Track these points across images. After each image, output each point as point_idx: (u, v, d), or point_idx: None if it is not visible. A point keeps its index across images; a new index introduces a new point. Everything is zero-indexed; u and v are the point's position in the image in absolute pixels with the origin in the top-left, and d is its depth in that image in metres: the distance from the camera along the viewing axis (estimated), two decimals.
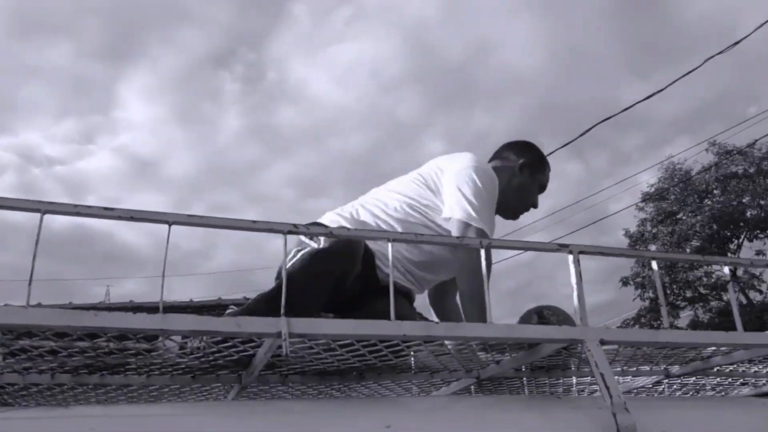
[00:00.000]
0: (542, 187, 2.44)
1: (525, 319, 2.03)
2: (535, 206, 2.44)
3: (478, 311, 1.95)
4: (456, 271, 2.26)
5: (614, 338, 1.29)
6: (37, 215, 0.93)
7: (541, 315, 2.03)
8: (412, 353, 1.60)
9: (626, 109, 7.12)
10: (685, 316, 19.11)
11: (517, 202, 2.33)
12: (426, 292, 2.45)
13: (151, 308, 1.45)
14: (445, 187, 2.15)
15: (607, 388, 1.14)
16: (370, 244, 1.94)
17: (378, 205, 2.17)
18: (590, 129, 7.32)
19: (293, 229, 1.12)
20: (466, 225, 2.05)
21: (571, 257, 1.30)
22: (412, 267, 2.13)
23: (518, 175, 2.36)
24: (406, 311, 2.00)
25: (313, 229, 1.19)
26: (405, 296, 2.07)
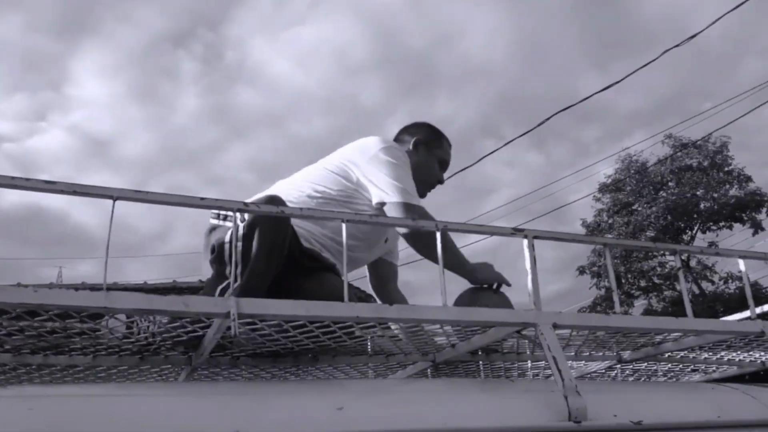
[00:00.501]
0: (443, 162, 2.45)
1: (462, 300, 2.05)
2: (441, 182, 2.46)
3: (455, 256, 2.07)
4: (393, 255, 2.48)
5: (567, 322, 1.29)
6: None
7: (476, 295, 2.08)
8: (367, 336, 1.59)
9: (585, 99, 7.21)
10: (639, 305, 19.55)
11: (419, 181, 2.29)
12: (368, 279, 2.53)
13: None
14: (366, 174, 2.16)
15: (560, 371, 1.15)
16: (297, 224, 1.93)
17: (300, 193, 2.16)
18: (549, 118, 7.38)
19: (243, 207, 1.09)
20: (406, 205, 2.07)
21: (525, 242, 1.31)
22: (337, 246, 2.11)
23: (414, 154, 2.37)
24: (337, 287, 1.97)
25: (264, 207, 1.17)
26: (331, 271, 2.05)
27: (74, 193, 0.92)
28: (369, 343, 1.66)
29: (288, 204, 1.93)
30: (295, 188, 2.15)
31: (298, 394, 1.10)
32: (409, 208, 2.07)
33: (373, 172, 2.14)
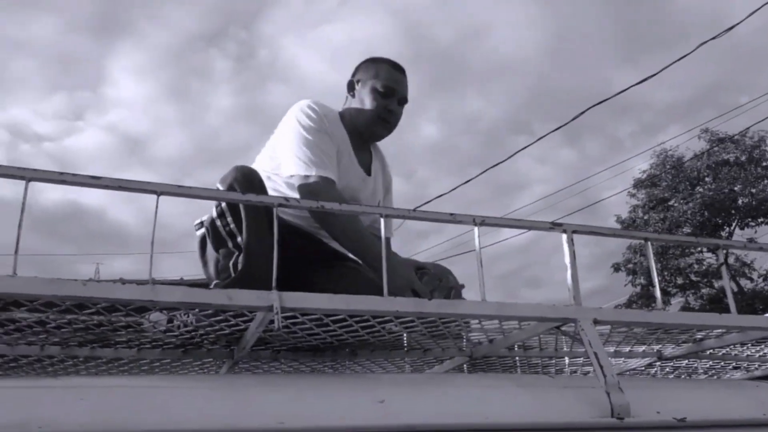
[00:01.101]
0: (385, 89, 2.15)
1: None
2: (390, 110, 2.15)
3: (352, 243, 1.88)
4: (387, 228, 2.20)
5: (608, 318, 1.28)
6: (22, 185, 0.91)
7: (420, 268, 1.93)
8: (403, 330, 1.60)
9: (620, 92, 7.13)
10: (676, 303, 19.24)
11: (365, 118, 2.14)
12: None
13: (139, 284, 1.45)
14: (278, 145, 2.05)
15: (601, 367, 1.14)
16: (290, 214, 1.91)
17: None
18: (582, 113, 7.32)
19: (284, 203, 1.10)
20: (305, 178, 1.91)
21: (564, 236, 1.30)
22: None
23: (353, 98, 2.21)
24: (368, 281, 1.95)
25: (304, 202, 1.17)
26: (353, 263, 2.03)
27: (119, 188, 0.94)
28: (405, 337, 1.67)
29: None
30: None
31: (340, 387, 1.10)
32: (309, 180, 1.91)
33: (281, 142, 2.03)
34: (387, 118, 2.16)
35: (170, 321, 1.28)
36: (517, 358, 2.04)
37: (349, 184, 2.07)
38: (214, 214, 1.71)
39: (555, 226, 1.30)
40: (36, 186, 0.93)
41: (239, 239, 1.64)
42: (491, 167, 9.30)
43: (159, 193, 0.96)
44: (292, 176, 1.93)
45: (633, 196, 19.76)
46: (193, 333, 1.25)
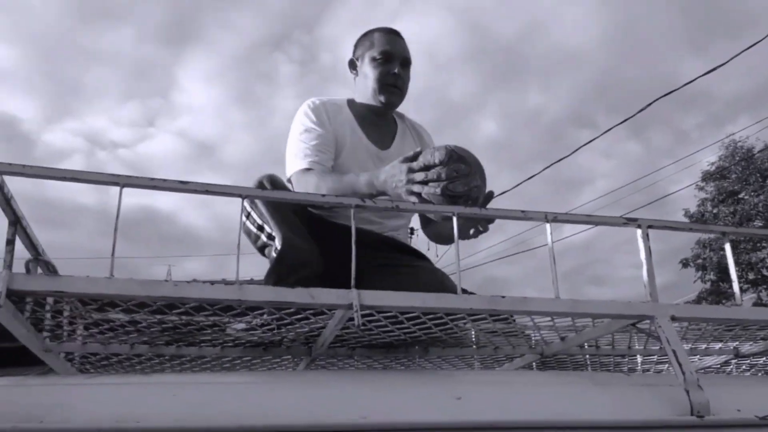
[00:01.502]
0: (382, 54, 2.10)
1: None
2: (393, 73, 2.11)
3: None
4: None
5: (685, 314, 1.26)
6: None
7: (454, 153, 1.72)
8: (471, 327, 1.61)
9: (688, 83, 6.91)
10: (748, 299, 18.54)
11: (371, 89, 2.11)
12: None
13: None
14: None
15: (680, 364, 1.12)
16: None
17: None
18: (648, 106, 7.14)
19: (360, 203, 1.13)
20: (292, 177, 1.96)
21: (639, 232, 1.28)
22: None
23: (355, 74, 2.20)
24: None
25: (380, 201, 1.20)
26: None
27: (206, 192, 0.98)
28: (473, 333, 1.68)
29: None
30: None
31: (416, 383, 1.12)
32: (294, 177, 1.95)
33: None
34: (393, 82, 2.12)
35: (248, 323, 1.33)
36: (587, 356, 2.03)
37: (358, 162, 2.05)
38: (243, 218, 1.76)
39: (629, 221, 1.29)
40: (112, 192, 0.98)
41: (267, 229, 1.71)
42: (554, 162, 9.17)
43: (243, 197, 1.00)
44: (289, 179, 1.98)
45: (701, 189, 19.16)
46: (274, 331, 1.29)
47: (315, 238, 1.77)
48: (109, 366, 1.51)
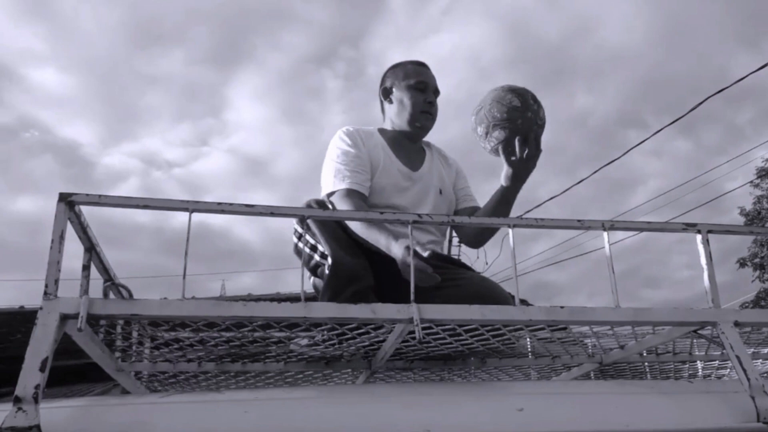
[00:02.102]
0: (419, 84, 2.25)
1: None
2: (429, 102, 2.26)
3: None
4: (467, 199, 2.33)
5: (750, 319, 1.23)
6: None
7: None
8: (528, 338, 1.61)
9: (739, 81, 6.74)
10: None
11: (408, 115, 2.23)
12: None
13: (266, 300, 1.57)
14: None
15: (744, 370, 1.10)
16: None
17: None
18: (700, 104, 6.99)
19: (418, 219, 1.15)
20: (333, 197, 2.02)
21: (699, 237, 1.27)
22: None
23: (390, 104, 2.30)
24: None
25: (436, 217, 1.22)
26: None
27: (271, 214, 1.01)
28: (528, 343, 1.67)
29: None
30: None
31: (477, 395, 1.13)
32: (333, 198, 2.01)
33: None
34: (428, 110, 2.26)
35: (311, 339, 1.36)
36: (647, 363, 2.00)
37: (391, 182, 2.15)
38: (295, 239, 1.89)
39: (689, 226, 1.27)
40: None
41: (319, 248, 1.78)
42: (604, 166, 9.02)
43: (306, 217, 1.04)
44: (330, 200, 2.04)
45: (757, 186, 18.61)
46: (336, 346, 1.32)
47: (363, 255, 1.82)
48: (176, 383, 1.56)
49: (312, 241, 1.82)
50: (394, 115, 2.28)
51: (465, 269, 2.09)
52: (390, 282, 1.79)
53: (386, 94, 2.33)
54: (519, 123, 1.86)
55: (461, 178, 2.38)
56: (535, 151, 1.90)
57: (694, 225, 1.28)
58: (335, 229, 1.75)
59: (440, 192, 2.23)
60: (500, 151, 1.89)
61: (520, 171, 1.93)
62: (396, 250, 1.64)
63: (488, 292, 1.86)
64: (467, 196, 2.35)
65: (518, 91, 1.92)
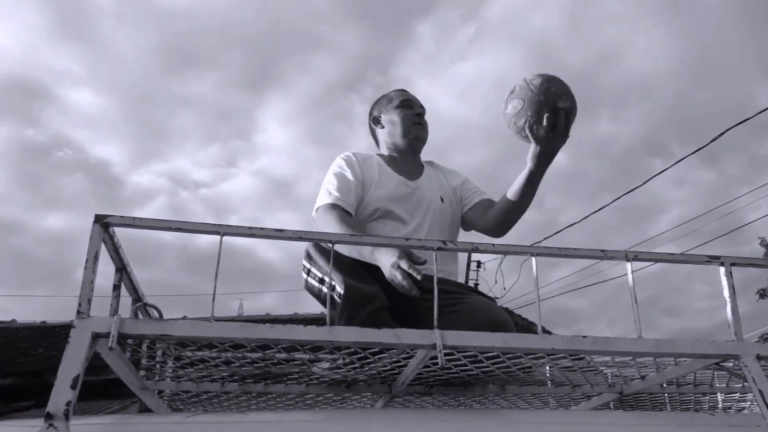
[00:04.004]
0: (404, 102, 2.35)
1: None
2: (418, 114, 2.35)
3: None
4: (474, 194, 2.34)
5: None
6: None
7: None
8: (547, 367, 1.61)
9: (762, 111, 6.71)
10: None
11: (402, 130, 2.30)
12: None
13: (284, 320, 1.58)
14: None
15: (766, 404, 1.10)
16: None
17: None
18: (723, 134, 6.96)
19: (443, 246, 1.16)
20: (318, 210, 2.09)
21: (722, 269, 1.27)
22: None
23: (382, 129, 2.38)
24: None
25: (461, 244, 1.23)
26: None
27: (299, 239, 1.03)
28: (547, 371, 1.67)
29: None
30: None
31: (497, 422, 1.14)
32: (317, 213, 2.09)
33: None
34: (419, 122, 2.35)
35: (332, 363, 1.37)
36: (667, 394, 1.99)
37: (388, 191, 2.18)
38: (304, 276, 1.93)
39: (712, 259, 1.27)
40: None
41: (327, 280, 1.81)
42: (626, 193, 8.98)
43: (333, 242, 1.05)
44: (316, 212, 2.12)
45: None
46: (357, 369, 1.33)
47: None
48: (198, 403, 1.57)
49: (320, 274, 1.86)
50: (387, 136, 2.34)
51: (473, 294, 2.09)
52: (404, 303, 1.81)
53: (376, 122, 2.42)
54: (548, 100, 1.87)
55: (467, 182, 2.39)
56: (564, 132, 1.90)
57: (717, 258, 1.28)
58: (343, 259, 1.77)
59: (442, 199, 2.25)
60: (527, 130, 1.89)
61: (548, 149, 1.93)
62: (383, 260, 1.66)
63: (488, 319, 1.85)
64: (477, 192, 2.35)
65: (552, 78, 1.94)
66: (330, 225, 1.94)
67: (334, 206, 2.06)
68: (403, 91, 2.44)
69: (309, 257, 1.89)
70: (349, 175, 2.17)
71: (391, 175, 2.23)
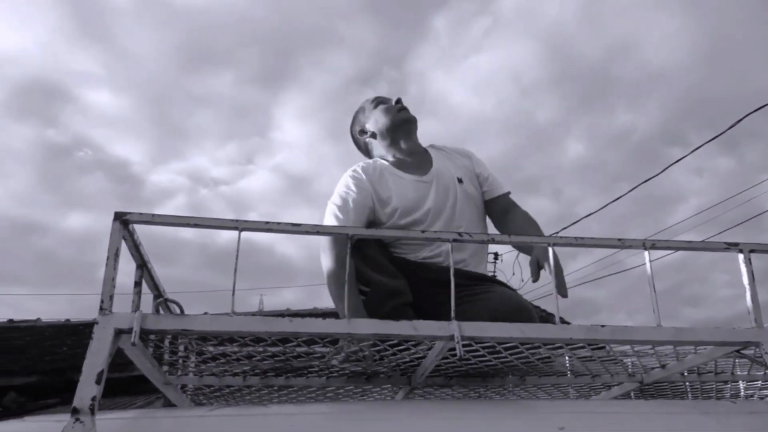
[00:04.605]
0: (378, 99, 2.40)
1: None
2: (397, 107, 2.35)
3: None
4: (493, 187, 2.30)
5: None
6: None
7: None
8: (566, 357, 1.61)
9: None
10: None
11: (389, 123, 2.30)
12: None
13: (304, 315, 1.62)
14: None
15: None
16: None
17: None
18: (741, 120, 6.88)
19: (458, 237, 1.17)
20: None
21: (741, 257, 1.26)
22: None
23: (366, 139, 2.41)
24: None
25: (476, 235, 1.23)
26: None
27: (317, 233, 1.04)
28: (567, 361, 1.67)
29: None
30: None
31: (517, 412, 1.14)
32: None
33: None
34: (401, 107, 2.35)
35: (348, 355, 1.38)
36: (687, 383, 1.98)
37: (406, 195, 2.15)
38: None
39: (730, 246, 1.27)
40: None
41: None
42: (643, 182, 8.92)
43: (350, 236, 1.06)
44: None
45: None
46: (379, 362, 1.34)
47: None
48: (221, 396, 1.59)
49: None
50: (379, 135, 2.34)
51: (496, 285, 2.09)
52: (425, 298, 1.83)
53: (362, 133, 2.42)
54: None
55: (480, 164, 2.36)
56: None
57: (735, 245, 1.28)
58: (374, 255, 1.80)
59: (460, 180, 2.23)
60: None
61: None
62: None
63: (511, 307, 1.86)
64: (494, 184, 2.31)
65: None
66: (328, 256, 1.93)
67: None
68: (377, 96, 2.45)
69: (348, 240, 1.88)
70: (356, 196, 2.13)
71: (403, 178, 2.21)
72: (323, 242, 1.99)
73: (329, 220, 2.08)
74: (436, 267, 1.99)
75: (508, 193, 2.30)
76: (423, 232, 1.12)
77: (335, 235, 0.98)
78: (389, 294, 1.75)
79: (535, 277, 1.76)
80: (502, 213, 2.23)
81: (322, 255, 1.96)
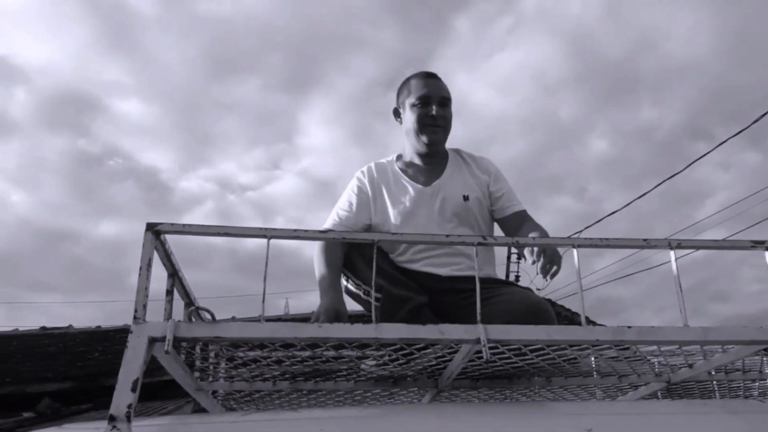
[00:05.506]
0: (419, 99, 2.23)
1: None
2: (429, 114, 2.22)
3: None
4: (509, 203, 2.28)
5: None
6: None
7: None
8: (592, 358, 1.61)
9: None
10: None
11: (414, 133, 2.24)
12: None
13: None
14: None
15: None
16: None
17: None
18: (764, 114, 6.78)
19: (482, 241, 1.18)
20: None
21: (767, 254, 1.25)
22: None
23: (399, 122, 2.35)
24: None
25: (500, 239, 1.24)
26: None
27: (343, 239, 1.06)
28: (593, 362, 1.67)
29: None
30: None
31: (545, 414, 1.15)
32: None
33: None
34: (431, 123, 2.23)
35: (376, 360, 1.40)
36: (715, 381, 1.97)
37: (400, 203, 2.17)
38: (344, 282, 1.98)
39: (756, 244, 1.26)
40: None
41: (363, 287, 1.91)
42: (668, 178, 8.85)
43: (376, 241, 1.08)
44: None
45: None
46: (404, 365, 1.35)
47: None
48: (251, 402, 1.62)
49: (357, 281, 1.93)
50: (405, 135, 2.33)
51: (509, 286, 2.09)
52: (442, 302, 1.85)
53: (396, 114, 2.38)
54: None
55: (498, 180, 2.32)
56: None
57: (762, 242, 1.27)
58: (380, 265, 1.82)
59: (466, 198, 2.20)
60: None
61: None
62: (325, 299, 1.83)
63: (528, 306, 1.85)
64: (509, 201, 2.28)
65: None
66: (317, 257, 1.96)
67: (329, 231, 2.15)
68: (425, 78, 2.30)
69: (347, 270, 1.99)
70: (355, 197, 2.21)
71: (406, 184, 2.23)
72: (316, 246, 1.99)
73: (329, 220, 2.15)
74: (421, 274, 2.03)
75: (523, 211, 2.28)
76: (447, 236, 1.12)
77: (360, 241, 1.00)
78: (401, 300, 1.80)
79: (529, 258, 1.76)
80: (515, 229, 2.21)
81: (315, 258, 1.96)
